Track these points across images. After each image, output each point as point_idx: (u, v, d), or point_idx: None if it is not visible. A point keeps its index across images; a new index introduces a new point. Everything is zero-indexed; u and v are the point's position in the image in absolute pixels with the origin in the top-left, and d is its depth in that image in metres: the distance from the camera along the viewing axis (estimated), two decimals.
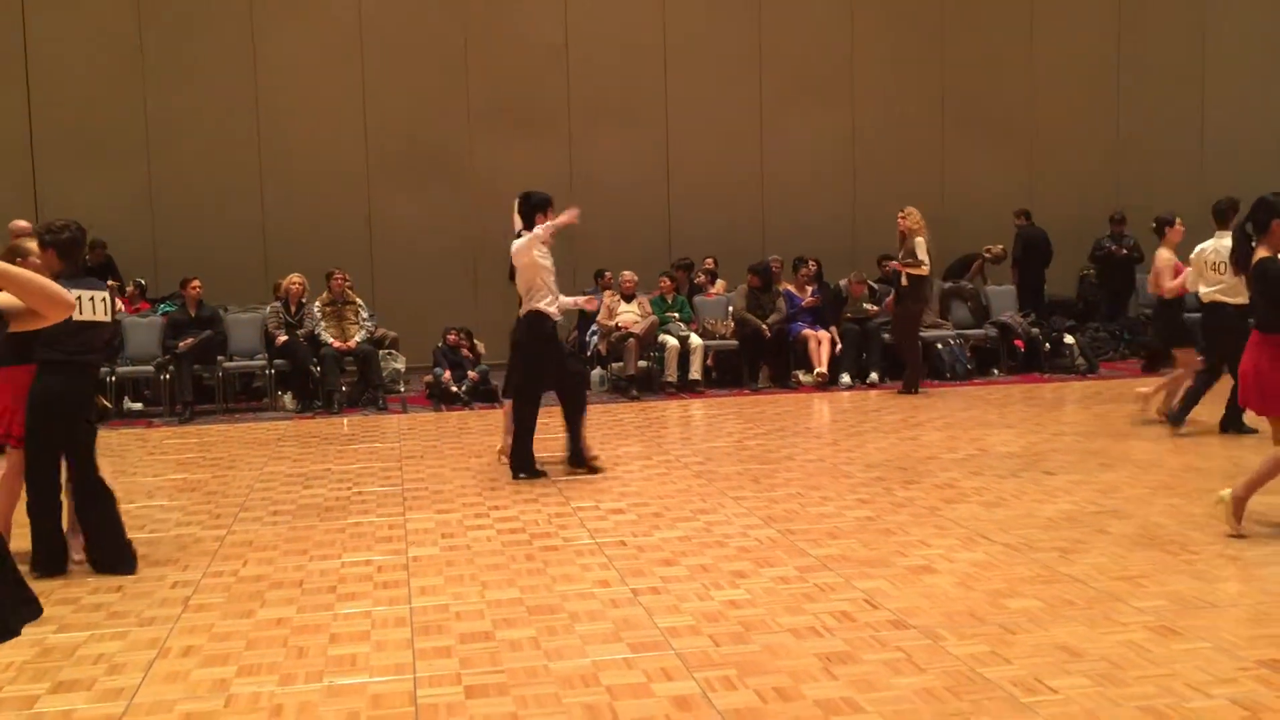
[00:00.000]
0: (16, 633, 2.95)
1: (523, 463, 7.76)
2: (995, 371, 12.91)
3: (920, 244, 11.20)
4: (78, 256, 5.69)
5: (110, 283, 12.66)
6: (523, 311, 7.76)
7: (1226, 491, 5.91)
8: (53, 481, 5.63)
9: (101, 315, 5.64)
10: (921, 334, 12.83)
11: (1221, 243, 8.10)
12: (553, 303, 7.79)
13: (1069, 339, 13.09)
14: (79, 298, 5.44)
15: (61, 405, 5.55)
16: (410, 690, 4.04)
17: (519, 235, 7.76)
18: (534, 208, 7.80)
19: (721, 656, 4.30)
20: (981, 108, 15.71)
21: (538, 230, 7.65)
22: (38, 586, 5.38)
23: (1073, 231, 14.90)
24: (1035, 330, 13.14)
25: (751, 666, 4.19)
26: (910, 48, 15.60)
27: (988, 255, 14.18)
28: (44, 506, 5.60)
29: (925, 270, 11.30)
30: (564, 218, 7.71)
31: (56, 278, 5.42)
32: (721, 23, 15.08)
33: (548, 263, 7.75)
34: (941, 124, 15.69)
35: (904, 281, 11.36)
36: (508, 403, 8.32)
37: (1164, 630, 4.47)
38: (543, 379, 7.90)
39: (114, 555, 5.68)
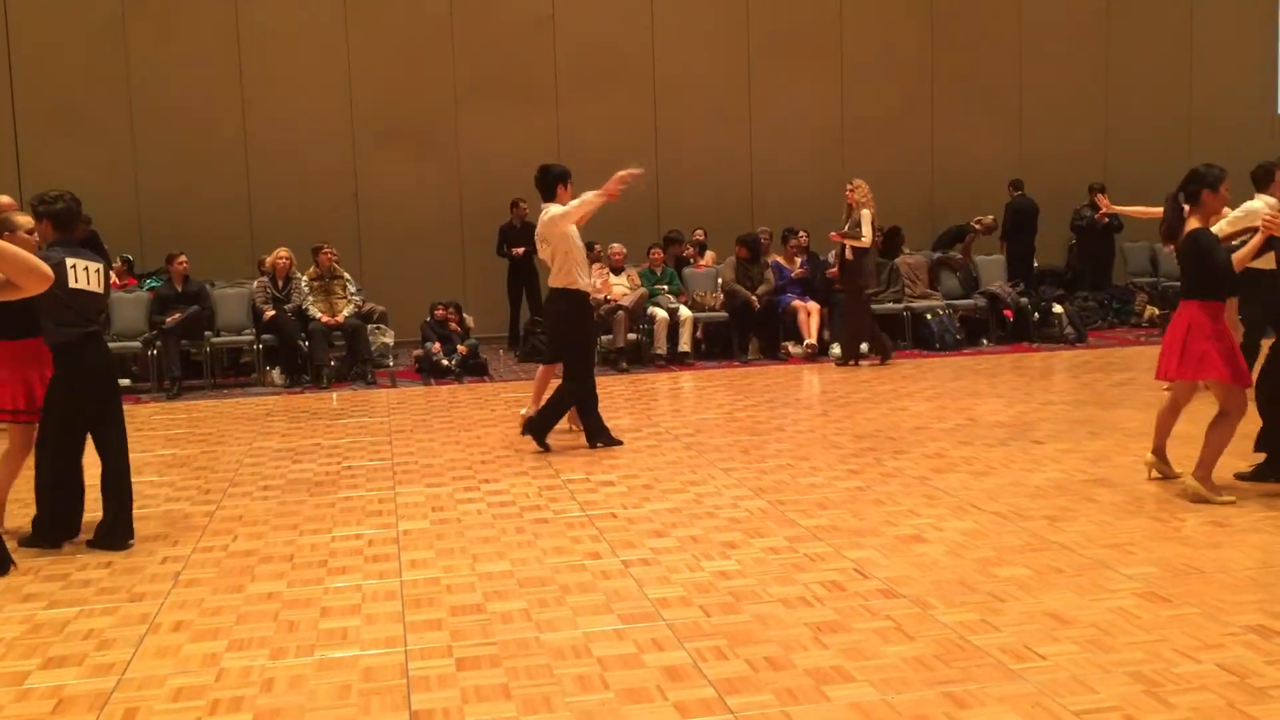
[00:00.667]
0: None
1: (599, 432, 7.80)
2: (984, 341, 12.93)
3: (866, 216, 11.15)
4: (72, 226, 5.69)
5: (116, 262, 12.62)
6: (557, 285, 7.72)
7: (1189, 479, 5.95)
8: (77, 454, 5.64)
9: (95, 286, 5.62)
10: (910, 305, 12.88)
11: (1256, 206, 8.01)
12: (585, 277, 7.80)
13: (1057, 308, 13.11)
14: (73, 266, 5.48)
15: (88, 376, 5.57)
16: (402, 663, 4.04)
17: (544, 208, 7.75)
18: (555, 179, 7.78)
19: (712, 627, 4.31)
20: (971, 75, 15.68)
21: (587, 196, 7.62)
22: (44, 554, 5.39)
23: (1062, 201, 14.91)
24: (1024, 300, 13.16)
25: (742, 636, 4.20)
26: (899, 13, 15.54)
27: (978, 227, 14.16)
28: (63, 478, 5.61)
29: (866, 243, 11.24)
30: (628, 172, 7.64)
31: (51, 247, 5.48)
32: None
33: (577, 239, 7.73)
34: (931, 92, 15.66)
35: (848, 255, 11.30)
36: (541, 369, 8.33)
37: (1152, 597, 4.49)
38: (591, 351, 7.99)
39: (119, 531, 5.68)
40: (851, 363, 11.43)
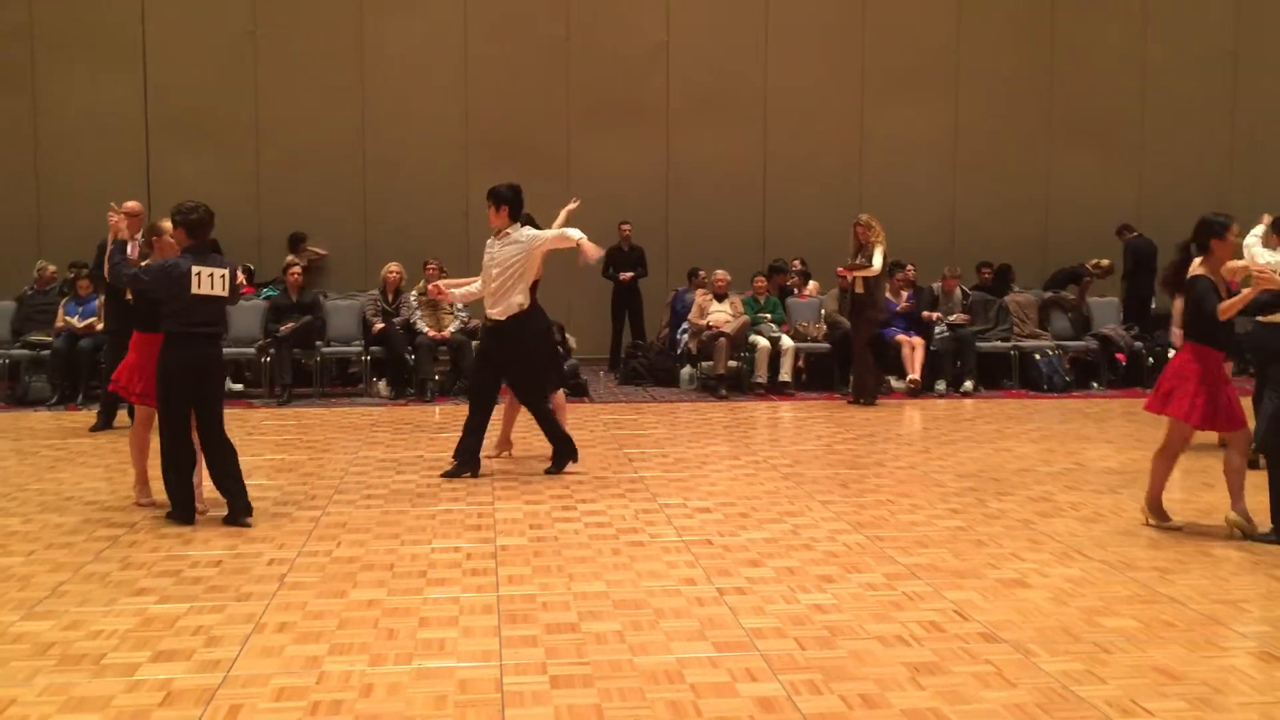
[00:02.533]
0: None
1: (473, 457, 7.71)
2: (1095, 385, 12.61)
3: (879, 250, 11.00)
4: (203, 235, 6.21)
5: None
6: (504, 313, 7.52)
7: (1232, 515, 6.17)
8: (182, 440, 6.19)
9: (219, 290, 6.17)
10: (1018, 344, 12.64)
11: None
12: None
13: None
14: (198, 274, 6.05)
15: (185, 372, 6.11)
16: (496, 677, 4.08)
17: (507, 230, 7.62)
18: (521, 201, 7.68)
19: (807, 660, 4.27)
20: (1090, 111, 15.35)
21: (586, 243, 7.51)
22: (129, 558, 5.59)
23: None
24: (1139, 344, 12.80)
25: (837, 672, 4.15)
26: (1018, 47, 15.31)
27: (1095, 270, 13.82)
28: (174, 463, 6.21)
29: (876, 271, 11.05)
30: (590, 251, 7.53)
31: (183, 254, 6.14)
32: (824, 18, 14.97)
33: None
34: (1048, 127, 15.37)
35: (859, 288, 11.13)
36: (558, 396, 8.38)
37: (1267, 656, 4.32)
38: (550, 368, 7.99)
39: (236, 506, 6.25)
40: (864, 401, 11.23)
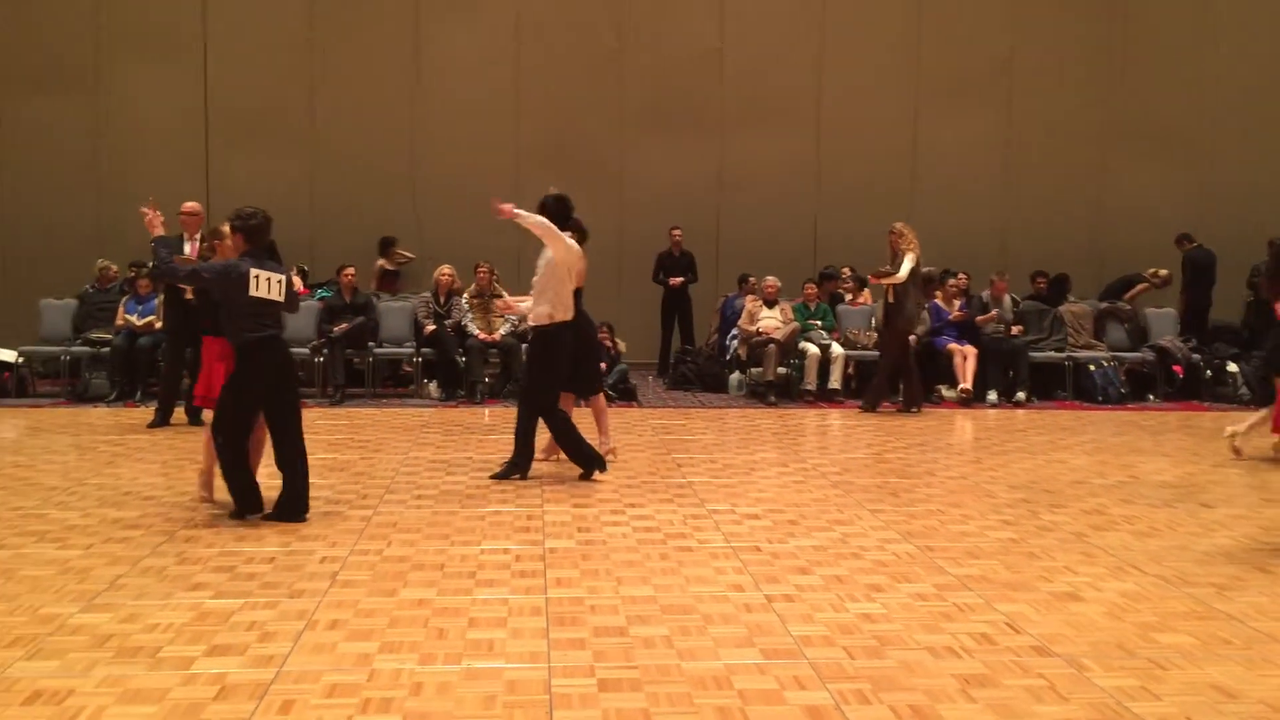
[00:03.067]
0: None
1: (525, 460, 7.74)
2: (1151, 397, 12.43)
3: (910, 258, 10.89)
4: (261, 240, 6.32)
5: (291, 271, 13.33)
6: (534, 320, 7.62)
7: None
8: (242, 441, 6.32)
9: (275, 295, 6.26)
10: (1073, 354, 12.51)
11: None
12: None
13: (1232, 367, 12.51)
14: (256, 276, 6.14)
15: (260, 374, 6.23)
16: (545, 679, 4.10)
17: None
18: (570, 209, 7.78)
19: (856, 670, 4.24)
20: (1151, 120, 15.12)
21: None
22: (184, 553, 5.68)
23: (1243, 255, 14.22)
24: (1196, 356, 12.60)
25: (886, 682, 4.12)
26: (1076, 57, 15.12)
27: (1154, 280, 13.63)
28: (235, 462, 6.29)
29: (902, 278, 10.94)
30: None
31: (241, 258, 6.23)
32: (879, 25, 14.89)
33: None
34: (1105, 136, 15.16)
35: (890, 297, 11.01)
36: (598, 401, 8.37)
37: None
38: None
39: (293, 505, 6.36)
40: (876, 409, 11.15)
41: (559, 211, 7.74)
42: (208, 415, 6.68)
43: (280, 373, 6.33)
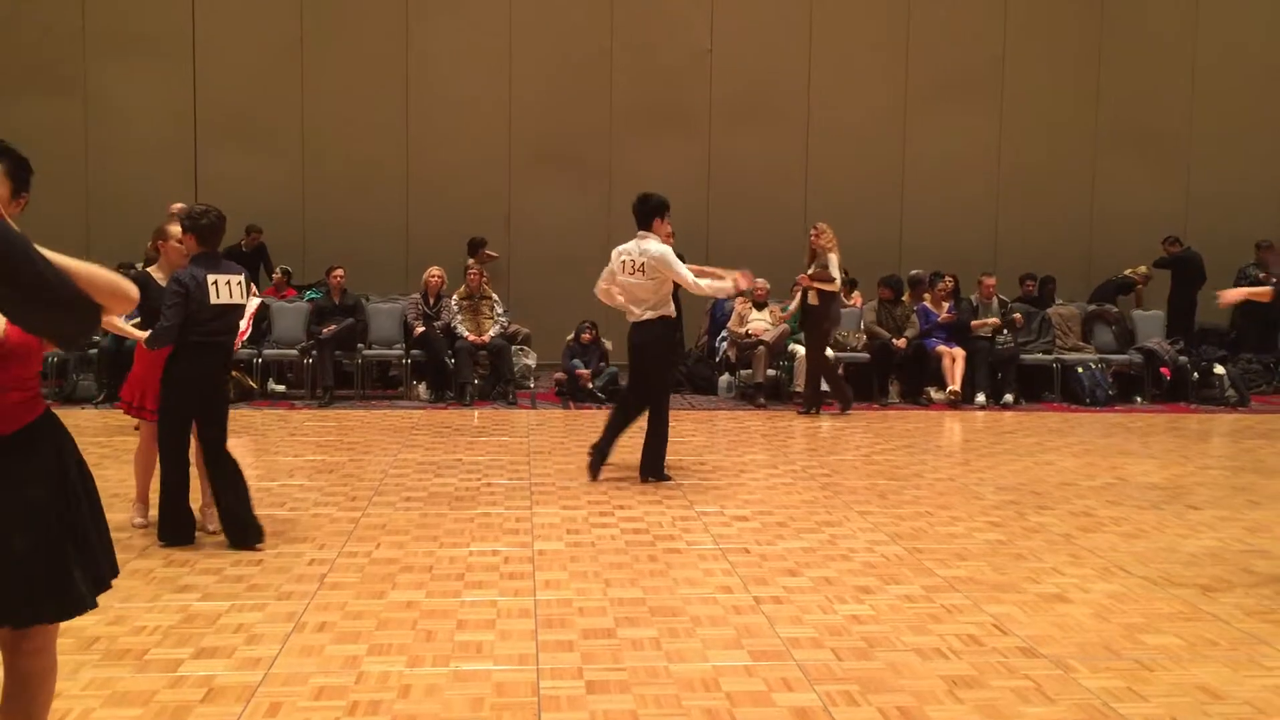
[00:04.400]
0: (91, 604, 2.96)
1: (654, 467, 7.76)
2: (1138, 399, 12.47)
3: (833, 260, 10.86)
4: (214, 242, 5.86)
5: (275, 273, 13.28)
6: (649, 317, 7.64)
7: None
8: (184, 456, 5.88)
9: (237, 298, 5.85)
10: (1061, 356, 12.55)
11: None
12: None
13: (1219, 369, 12.56)
14: (214, 283, 5.72)
15: (197, 384, 5.80)
16: (533, 681, 4.10)
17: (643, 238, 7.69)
18: (652, 211, 7.75)
19: (844, 671, 4.25)
20: (1138, 123, 15.17)
21: (718, 283, 7.82)
22: (172, 555, 5.66)
23: (1229, 256, 14.30)
24: (1183, 359, 12.65)
25: (874, 683, 4.13)
26: (1065, 58, 15.17)
27: (1138, 278, 13.73)
28: (176, 480, 5.85)
29: (836, 287, 10.96)
30: (740, 282, 7.76)
31: (194, 261, 5.78)
32: (868, 27, 14.92)
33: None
34: (1094, 139, 15.21)
35: (812, 299, 10.97)
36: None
37: None
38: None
39: (240, 529, 5.85)
40: (814, 411, 11.11)
41: (639, 209, 7.82)
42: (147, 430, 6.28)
43: (208, 381, 5.87)
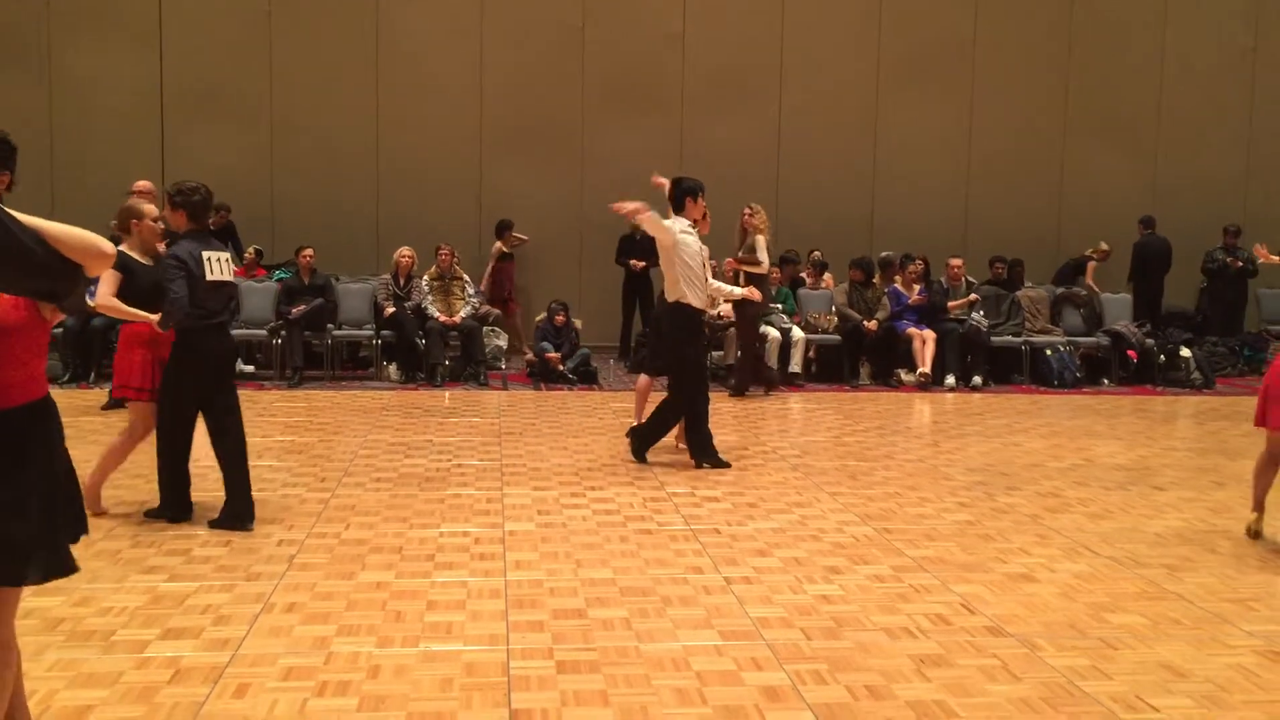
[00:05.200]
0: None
1: (704, 450, 7.68)
2: (1105, 381, 12.58)
3: (760, 242, 10.89)
4: (205, 218, 5.94)
5: (248, 252, 13.14)
6: (671, 298, 7.71)
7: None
8: (188, 435, 5.89)
9: (228, 275, 5.91)
10: (1030, 339, 12.63)
11: None
12: (697, 294, 7.69)
13: (1185, 352, 12.69)
14: (209, 259, 5.77)
15: (204, 363, 5.83)
16: (503, 661, 4.10)
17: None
18: (684, 193, 7.81)
19: (813, 650, 4.28)
20: (1107, 107, 15.24)
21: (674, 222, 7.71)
22: (139, 536, 5.62)
23: (1196, 241, 14.44)
24: (1150, 341, 12.77)
25: (843, 662, 4.16)
26: (1035, 41, 15.21)
27: (1096, 256, 13.85)
28: (178, 457, 5.88)
29: (764, 269, 10.99)
30: (639, 213, 7.59)
31: (185, 237, 5.77)
32: (841, 9, 14.90)
33: (687, 255, 7.64)
34: (1064, 122, 15.27)
35: (742, 280, 10.89)
36: (642, 379, 8.39)
37: (1274, 656, 4.32)
38: (701, 368, 7.90)
39: (243, 506, 5.89)
40: (749, 394, 11.15)
41: (674, 191, 7.91)
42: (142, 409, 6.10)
43: (223, 363, 6.00)
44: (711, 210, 14.40)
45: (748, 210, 11.15)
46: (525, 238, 13.84)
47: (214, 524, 5.84)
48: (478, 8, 14.37)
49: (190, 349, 5.79)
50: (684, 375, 7.71)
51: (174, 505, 5.93)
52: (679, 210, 7.78)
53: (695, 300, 7.67)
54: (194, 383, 5.83)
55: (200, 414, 5.94)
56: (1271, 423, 5.77)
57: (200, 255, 5.74)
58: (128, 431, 6.10)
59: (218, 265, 5.81)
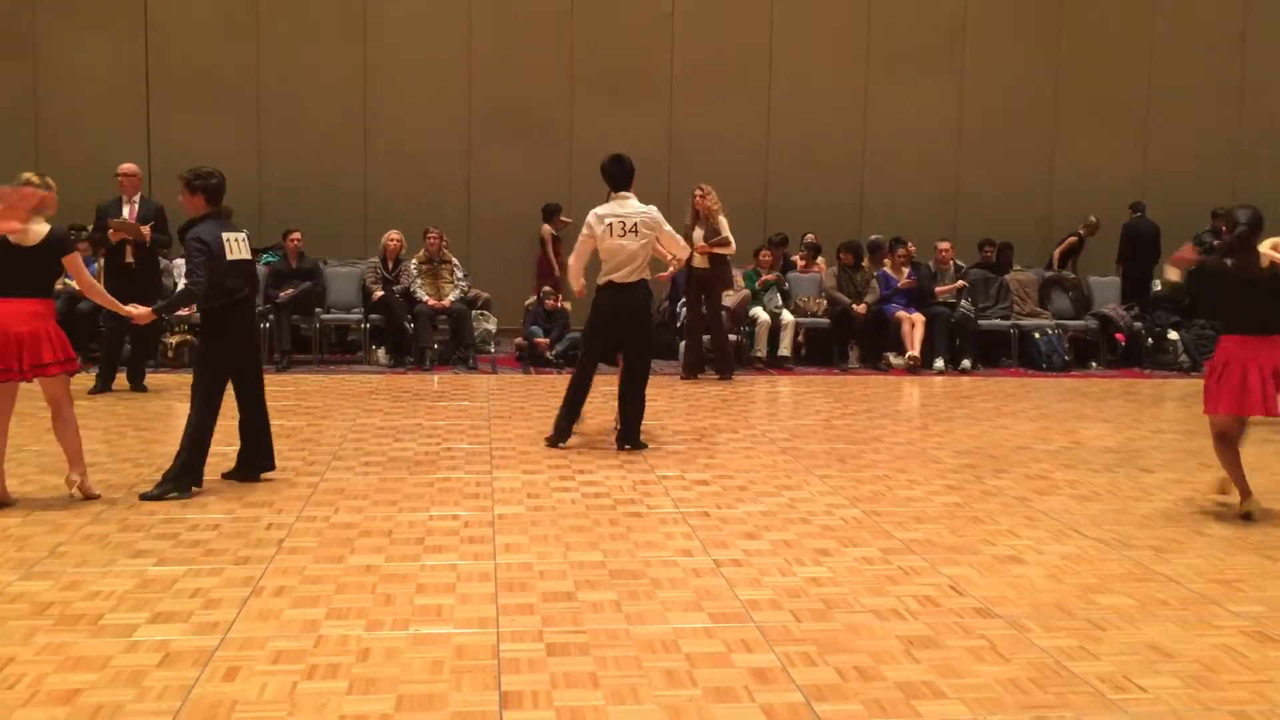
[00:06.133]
0: None
1: (560, 425, 7.73)
2: (1094, 364, 12.63)
3: (724, 223, 10.84)
4: (220, 200, 6.31)
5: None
6: (637, 279, 7.68)
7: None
8: (218, 405, 6.24)
9: (246, 254, 6.33)
10: (1018, 322, 12.67)
11: None
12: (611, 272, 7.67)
13: (1173, 335, 12.74)
14: (229, 240, 6.16)
15: (232, 338, 6.22)
16: (493, 644, 4.10)
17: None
18: (631, 170, 7.80)
19: (802, 632, 4.29)
20: (1097, 91, 15.25)
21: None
22: (127, 519, 5.60)
23: (1186, 224, 14.43)
24: (1138, 324, 12.81)
25: (832, 644, 4.17)
26: (1026, 26, 15.20)
27: (1083, 231, 13.93)
28: (211, 427, 6.21)
29: (733, 250, 10.96)
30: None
31: (204, 221, 6.14)
32: None
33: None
34: (1054, 106, 15.29)
35: (702, 263, 10.82)
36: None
37: (1260, 636, 4.34)
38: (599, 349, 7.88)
39: (264, 456, 6.51)
40: (713, 376, 11.12)
41: (609, 170, 7.80)
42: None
43: (248, 336, 6.41)
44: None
45: (699, 191, 11.01)
46: (569, 220, 13.78)
47: (229, 475, 6.44)
48: None
49: (217, 327, 6.20)
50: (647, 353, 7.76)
51: (197, 474, 6.19)
52: (627, 188, 7.67)
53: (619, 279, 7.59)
54: (224, 356, 6.22)
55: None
56: (1206, 408, 6.18)
57: (220, 237, 6.12)
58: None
59: (237, 245, 6.23)
